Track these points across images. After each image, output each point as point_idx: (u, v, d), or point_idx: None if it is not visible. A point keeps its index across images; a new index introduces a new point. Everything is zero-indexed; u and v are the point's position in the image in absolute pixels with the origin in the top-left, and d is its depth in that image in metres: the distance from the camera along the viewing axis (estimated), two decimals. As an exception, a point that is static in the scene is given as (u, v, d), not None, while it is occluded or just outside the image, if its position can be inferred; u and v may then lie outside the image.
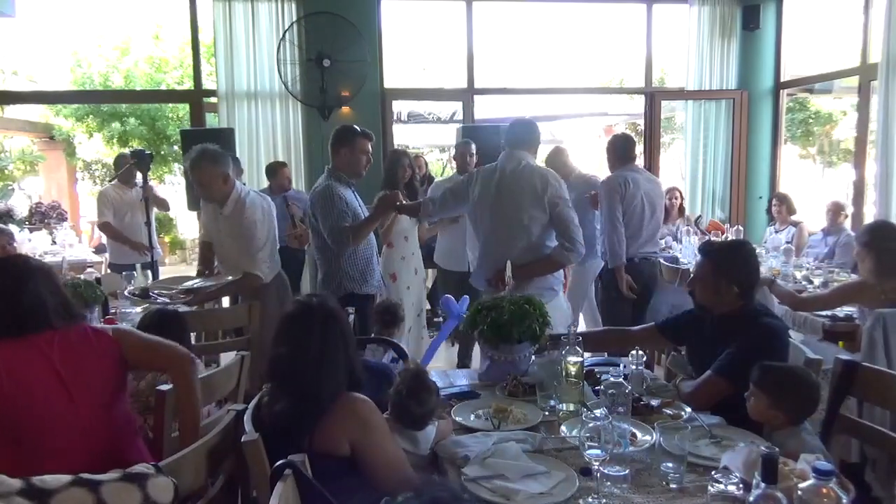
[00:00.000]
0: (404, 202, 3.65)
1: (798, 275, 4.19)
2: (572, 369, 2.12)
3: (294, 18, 5.72)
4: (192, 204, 5.24)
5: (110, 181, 5.68)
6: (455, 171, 5.03)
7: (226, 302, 3.96)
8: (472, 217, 3.39)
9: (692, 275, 2.46)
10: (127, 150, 8.66)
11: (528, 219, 3.07)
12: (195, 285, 3.54)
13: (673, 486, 1.64)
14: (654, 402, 2.13)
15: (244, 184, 3.83)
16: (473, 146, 4.80)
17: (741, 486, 1.52)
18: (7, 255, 2.62)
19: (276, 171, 5.34)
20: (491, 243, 3.19)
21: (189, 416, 1.95)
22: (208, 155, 3.28)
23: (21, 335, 1.74)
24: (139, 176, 5.48)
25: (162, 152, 11.01)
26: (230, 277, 3.48)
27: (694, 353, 2.45)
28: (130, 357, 1.88)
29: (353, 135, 3.41)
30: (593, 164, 9.14)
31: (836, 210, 5.14)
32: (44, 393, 1.70)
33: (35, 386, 1.70)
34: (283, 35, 5.66)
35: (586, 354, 2.37)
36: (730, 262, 2.29)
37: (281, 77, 5.67)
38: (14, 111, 10.32)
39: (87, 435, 1.75)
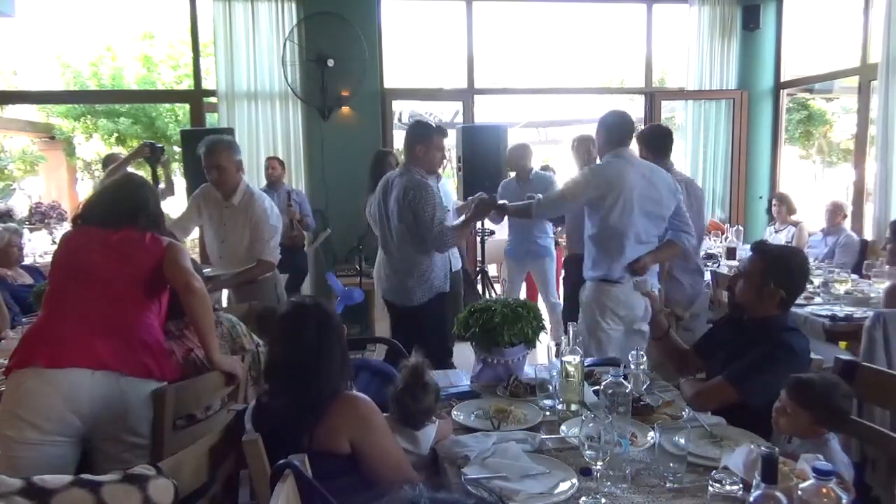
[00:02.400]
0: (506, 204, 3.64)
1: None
2: (572, 369, 2.12)
3: (294, 18, 5.72)
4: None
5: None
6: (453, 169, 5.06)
7: (224, 302, 3.96)
8: (597, 211, 3.19)
9: (737, 271, 2.41)
10: (117, 150, 8.62)
11: (666, 210, 3.27)
12: (212, 273, 3.55)
13: (673, 486, 1.64)
14: (655, 403, 2.14)
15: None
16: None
17: (741, 486, 1.52)
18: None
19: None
20: (634, 233, 3.15)
21: (201, 339, 2.20)
22: (224, 141, 3.49)
23: (107, 227, 2.16)
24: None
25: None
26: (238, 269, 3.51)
27: (717, 358, 2.43)
28: (164, 265, 2.15)
29: (428, 131, 3.36)
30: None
31: (835, 210, 5.14)
32: (94, 257, 2.12)
33: (88, 253, 2.14)
34: (287, 36, 5.66)
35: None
36: (783, 266, 2.23)
37: (286, 79, 5.68)
38: (14, 111, 10.32)
39: (108, 293, 2.09)
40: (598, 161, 3.58)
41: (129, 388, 2.02)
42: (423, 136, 3.34)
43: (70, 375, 1.95)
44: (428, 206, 3.21)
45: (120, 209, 2.21)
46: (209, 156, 3.38)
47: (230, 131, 5.52)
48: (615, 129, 3.27)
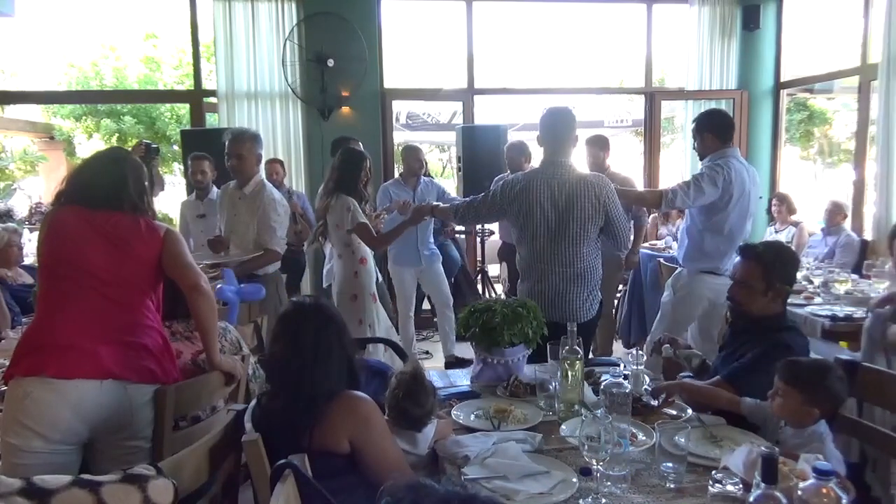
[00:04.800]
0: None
1: (798, 275, 4.19)
2: (572, 369, 2.12)
3: (294, 18, 5.72)
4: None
5: None
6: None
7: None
8: (719, 208, 3.41)
9: (734, 281, 2.32)
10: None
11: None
12: (220, 260, 3.62)
13: (673, 486, 1.64)
14: (654, 402, 2.14)
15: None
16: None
17: (741, 486, 1.52)
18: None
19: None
20: (745, 230, 3.53)
21: (201, 337, 2.19)
22: (249, 133, 3.66)
23: (91, 207, 2.05)
24: None
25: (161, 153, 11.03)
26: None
27: (716, 357, 2.42)
28: (164, 258, 2.10)
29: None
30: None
31: (835, 210, 5.14)
32: (89, 251, 2.02)
33: (81, 245, 2.02)
34: (288, 36, 5.66)
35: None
36: (781, 262, 2.24)
37: (287, 79, 5.68)
38: (14, 111, 10.32)
39: (105, 290, 2.02)
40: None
41: (136, 395, 2.01)
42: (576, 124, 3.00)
43: (79, 386, 1.92)
44: (617, 202, 2.93)
45: (102, 189, 2.09)
46: (233, 143, 3.55)
47: (230, 132, 5.55)
48: (724, 129, 3.53)
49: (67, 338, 1.96)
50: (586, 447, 1.58)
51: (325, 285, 4.24)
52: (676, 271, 3.74)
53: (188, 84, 8.64)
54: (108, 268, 2.03)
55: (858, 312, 3.37)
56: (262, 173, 3.71)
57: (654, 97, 6.56)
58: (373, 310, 3.72)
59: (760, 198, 6.44)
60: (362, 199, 3.66)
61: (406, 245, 4.68)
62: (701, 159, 3.59)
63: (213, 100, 5.96)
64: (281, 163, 5.54)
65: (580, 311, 2.88)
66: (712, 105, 6.51)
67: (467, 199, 3.32)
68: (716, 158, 3.45)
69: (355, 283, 3.65)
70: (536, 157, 4.35)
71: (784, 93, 6.53)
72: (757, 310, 2.26)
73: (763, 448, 1.54)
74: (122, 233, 2.06)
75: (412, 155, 4.94)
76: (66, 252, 2.03)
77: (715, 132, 3.50)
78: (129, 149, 5.31)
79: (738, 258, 2.37)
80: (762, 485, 1.28)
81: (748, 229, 3.56)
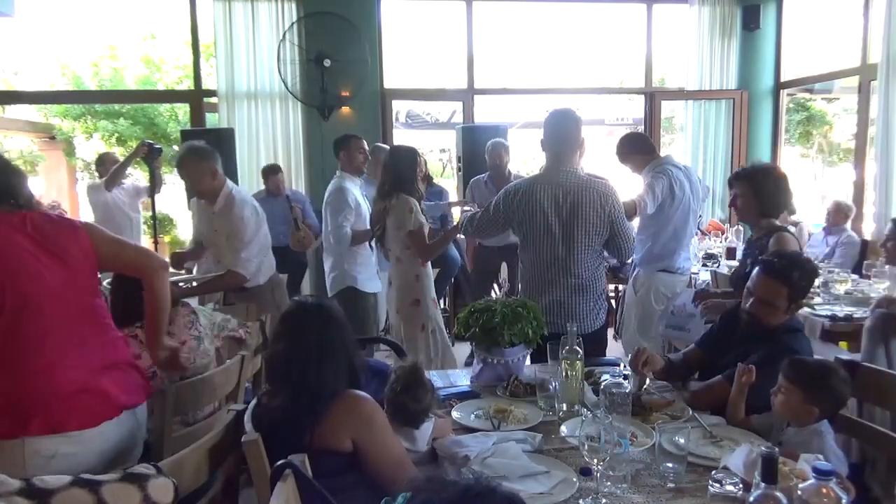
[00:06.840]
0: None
1: (798, 275, 4.19)
2: (572, 369, 2.12)
3: (294, 18, 5.72)
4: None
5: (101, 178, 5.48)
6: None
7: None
8: (664, 211, 3.64)
9: (754, 297, 2.20)
10: (116, 151, 8.63)
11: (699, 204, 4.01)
12: (178, 279, 3.49)
13: (673, 486, 1.64)
14: (654, 402, 2.13)
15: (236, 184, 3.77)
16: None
17: (741, 486, 1.52)
18: None
19: (269, 174, 5.36)
20: (690, 229, 3.82)
21: (152, 322, 2.02)
22: (194, 150, 3.31)
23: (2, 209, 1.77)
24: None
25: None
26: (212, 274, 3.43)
27: (717, 350, 2.39)
28: (102, 255, 1.88)
29: None
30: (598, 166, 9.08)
31: (836, 210, 5.14)
32: (43, 270, 1.75)
33: (19, 258, 1.74)
34: (284, 35, 5.66)
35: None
36: (807, 280, 2.21)
37: (281, 77, 5.67)
38: (14, 111, 10.31)
39: (70, 311, 1.81)
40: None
41: (140, 414, 1.98)
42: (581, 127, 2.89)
43: (102, 430, 1.82)
44: (623, 212, 2.86)
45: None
46: (179, 169, 3.37)
47: (230, 132, 5.53)
48: (642, 144, 3.83)
49: (70, 382, 1.77)
50: (586, 447, 1.58)
51: (330, 294, 3.93)
52: (633, 273, 3.98)
53: (188, 84, 8.65)
54: (64, 283, 1.78)
55: (858, 312, 3.37)
56: (229, 184, 3.38)
57: (654, 97, 6.56)
58: (436, 315, 3.47)
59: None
60: (421, 196, 3.46)
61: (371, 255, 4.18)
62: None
63: (213, 100, 5.96)
64: (280, 171, 5.41)
65: (585, 321, 2.78)
66: (713, 105, 6.54)
67: (472, 213, 3.28)
68: (654, 167, 3.68)
69: (416, 288, 3.41)
70: (532, 159, 4.35)
71: (784, 93, 6.53)
72: (775, 322, 2.21)
73: (763, 448, 1.54)
74: (50, 236, 1.78)
75: (355, 146, 4.26)
76: (14, 277, 1.72)
77: (637, 150, 3.78)
78: (132, 148, 5.32)
79: (757, 272, 2.24)
80: (762, 485, 1.28)
81: (692, 226, 3.83)
